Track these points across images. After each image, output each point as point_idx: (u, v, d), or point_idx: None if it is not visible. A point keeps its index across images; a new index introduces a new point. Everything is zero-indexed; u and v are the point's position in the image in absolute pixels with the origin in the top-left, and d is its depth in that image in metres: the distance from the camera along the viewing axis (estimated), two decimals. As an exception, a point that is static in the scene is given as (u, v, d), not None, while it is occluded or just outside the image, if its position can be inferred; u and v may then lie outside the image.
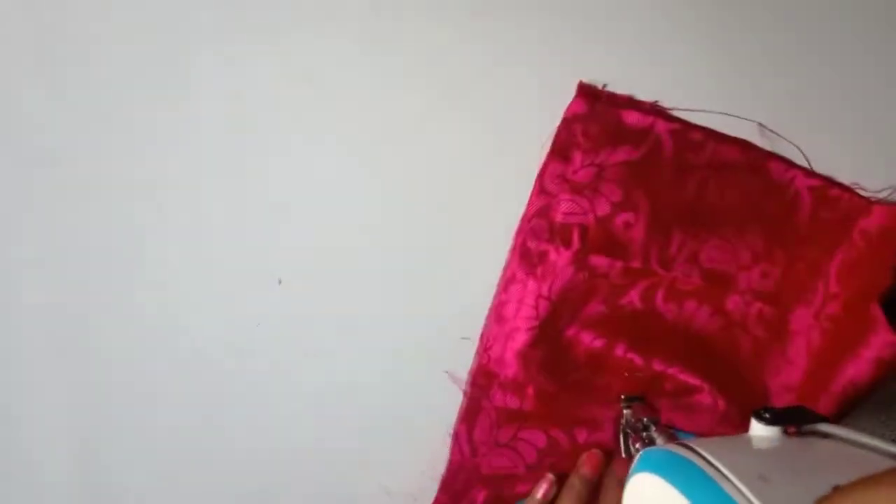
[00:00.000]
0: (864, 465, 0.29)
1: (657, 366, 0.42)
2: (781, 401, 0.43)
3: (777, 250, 0.42)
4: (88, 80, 0.42)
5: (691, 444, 0.31)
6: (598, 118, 0.40)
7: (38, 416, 0.45)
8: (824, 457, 0.30)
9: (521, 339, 0.42)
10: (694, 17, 0.41)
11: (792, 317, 0.43)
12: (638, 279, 0.42)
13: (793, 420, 0.32)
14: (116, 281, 0.44)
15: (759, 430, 0.32)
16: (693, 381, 0.41)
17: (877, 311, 0.38)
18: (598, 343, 0.42)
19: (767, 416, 0.32)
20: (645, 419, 0.41)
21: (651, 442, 0.40)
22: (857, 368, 0.38)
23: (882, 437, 0.29)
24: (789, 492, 0.27)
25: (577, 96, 0.40)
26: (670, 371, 0.41)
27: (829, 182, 0.41)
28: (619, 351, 0.42)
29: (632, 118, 0.40)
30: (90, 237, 0.43)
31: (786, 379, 0.43)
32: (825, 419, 0.32)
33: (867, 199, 0.42)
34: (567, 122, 0.40)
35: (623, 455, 0.43)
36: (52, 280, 0.44)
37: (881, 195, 0.42)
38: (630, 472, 0.33)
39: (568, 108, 0.40)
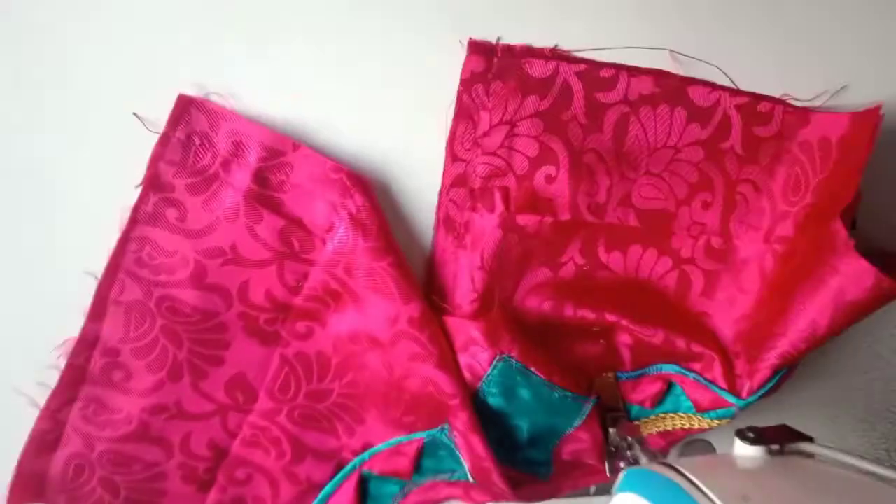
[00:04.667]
0: (848, 485, 0.29)
1: (610, 317, 0.40)
2: (737, 331, 0.42)
3: (714, 177, 0.40)
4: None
5: (674, 465, 0.30)
6: (498, 74, 0.38)
7: None
8: (807, 477, 0.29)
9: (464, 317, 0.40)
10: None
11: (740, 244, 0.41)
12: (573, 233, 0.40)
13: (777, 440, 0.32)
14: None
15: (742, 450, 0.32)
16: (645, 330, 0.40)
17: (839, 229, 0.35)
18: (546, 306, 0.41)
19: (751, 435, 0.32)
20: (629, 438, 0.41)
21: (635, 461, 0.40)
22: (821, 305, 0.36)
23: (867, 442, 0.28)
24: (772, 513, 0.27)
25: (470, 54, 0.38)
26: (623, 322, 0.40)
27: (757, 97, 0.39)
28: (569, 311, 0.41)
29: (534, 67, 0.38)
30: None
31: (741, 310, 0.41)
32: (809, 439, 0.32)
33: (802, 109, 0.39)
34: (466, 83, 0.38)
35: (608, 474, 0.42)
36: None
37: (816, 102, 0.40)
38: (613, 491, 0.33)
39: (464, 69, 0.38)
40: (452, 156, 0.39)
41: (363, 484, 0.42)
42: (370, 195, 0.38)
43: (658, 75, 0.39)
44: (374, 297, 0.38)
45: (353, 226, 0.37)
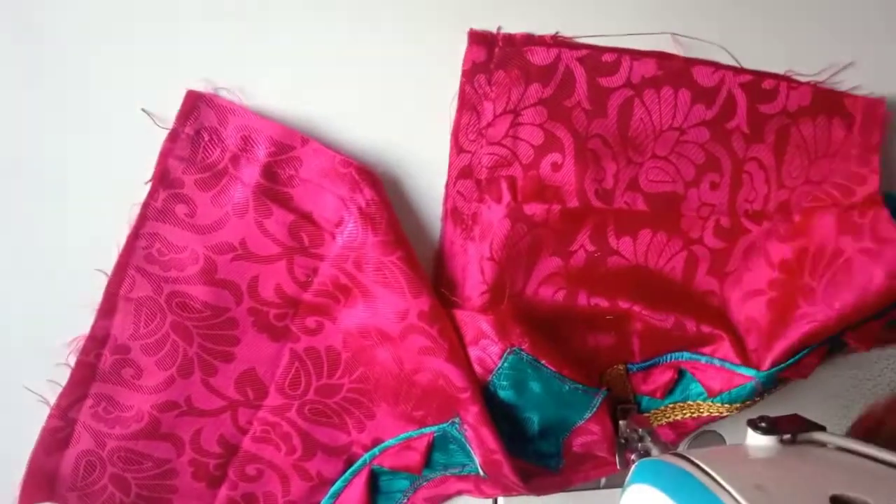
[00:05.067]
0: (860, 472, 0.29)
1: (623, 304, 0.41)
2: (747, 307, 0.42)
3: (721, 157, 0.41)
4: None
5: (687, 455, 0.31)
6: (500, 63, 0.38)
7: None
8: (820, 465, 0.30)
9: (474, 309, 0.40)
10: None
11: (747, 221, 0.42)
12: (582, 220, 0.40)
13: (789, 429, 0.32)
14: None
15: (754, 440, 0.32)
16: (656, 315, 0.41)
17: (882, 215, 0.37)
18: (560, 296, 0.41)
19: (763, 425, 0.32)
20: (640, 430, 0.40)
21: (646, 452, 0.40)
22: (860, 285, 0.37)
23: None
24: (786, 501, 0.27)
25: (470, 45, 0.38)
26: (636, 309, 0.41)
27: (761, 74, 0.40)
28: (582, 299, 0.41)
29: (536, 55, 0.38)
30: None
31: (749, 286, 0.42)
32: (822, 428, 0.32)
33: (807, 85, 0.40)
34: (468, 74, 0.38)
35: (618, 466, 0.42)
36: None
37: (822, 77, 0.41)
38: (626, 482, 0.33)
39: (465, 59, 0.38)
40: (457, 147, 0.39)
41: (374, 479, 0.42)
42: (379, 189, 0.38)
43: (661, 57, 0.39)
44: (384, 291, 0.38)
45: (363, 220, 0.37)
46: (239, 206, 0.37)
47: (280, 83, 0.38)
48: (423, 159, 0.40)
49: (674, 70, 0.39)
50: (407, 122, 0.39)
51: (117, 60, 0.36)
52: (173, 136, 0.36)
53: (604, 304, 0.41)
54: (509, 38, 0.38)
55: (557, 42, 0.39)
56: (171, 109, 0.36)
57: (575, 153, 0.39)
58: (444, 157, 0.40)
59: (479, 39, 0.38)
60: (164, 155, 0.37)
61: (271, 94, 0.38)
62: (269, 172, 0.37)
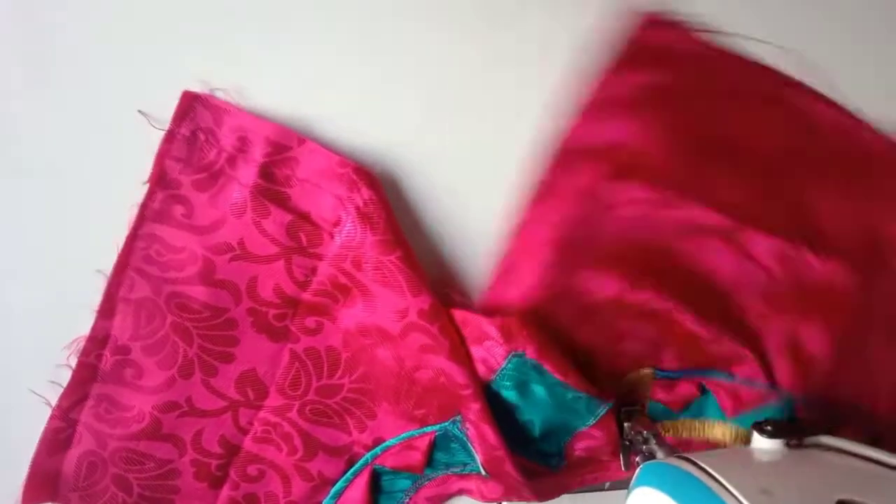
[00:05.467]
0: (866, 476, 0.28)
1: (667, 304, 0.39)
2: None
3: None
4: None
5: (692, 458, 0.30)
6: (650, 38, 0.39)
7: None
8: (827, 469, 0.29)
9: (530, 281, 0.39)
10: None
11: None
12: (656, 210, 0.39)
13: (794, 433, 0.31)
14: None
15: (760, 444, 0.31)
16: (696, 320, 0.39)
17: None
18: (612, 287, 0.39)
19: (769, 428, 0.31)
20: (645, 432, 0.40)
21: (651, 455, 0.39)
22: None
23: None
24: (792, 506, 0.26)
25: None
26: (677, 309, 0.39)
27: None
28: (633, 293, 0.39)
29: (680, 41, 0.39)
30: None
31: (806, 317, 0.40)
32: (828, 431, 0.31)
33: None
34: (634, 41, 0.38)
35: (623, 469, 0.42)
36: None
37: None
38: (630, 485, 0.33)
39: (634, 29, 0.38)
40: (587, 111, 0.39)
41: (375, 479, 0.42)
42: (377, 189, 0.37)
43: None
44: (383, 290, 0.38)
45: (361, 220, 0.37)
46: (237, 206, 0.37)
47: (276, 84, 0.38)
48: (421, 159, 0.39)
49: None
50: (404, 121, 0.39)
51: (114, 62, 0.36)
52: (170, 137, 0.36)
53: (650, 298, 0.39)
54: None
55: (696, 35, 0.39)
56: (167, 110, 0.36)
57: (671, 146, 0.39)
58: (442, 156, 0.39)
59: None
60: (161, 156, 0.36)
61: (267, 95, 0.37)
62: (267, 172, 0.37)
